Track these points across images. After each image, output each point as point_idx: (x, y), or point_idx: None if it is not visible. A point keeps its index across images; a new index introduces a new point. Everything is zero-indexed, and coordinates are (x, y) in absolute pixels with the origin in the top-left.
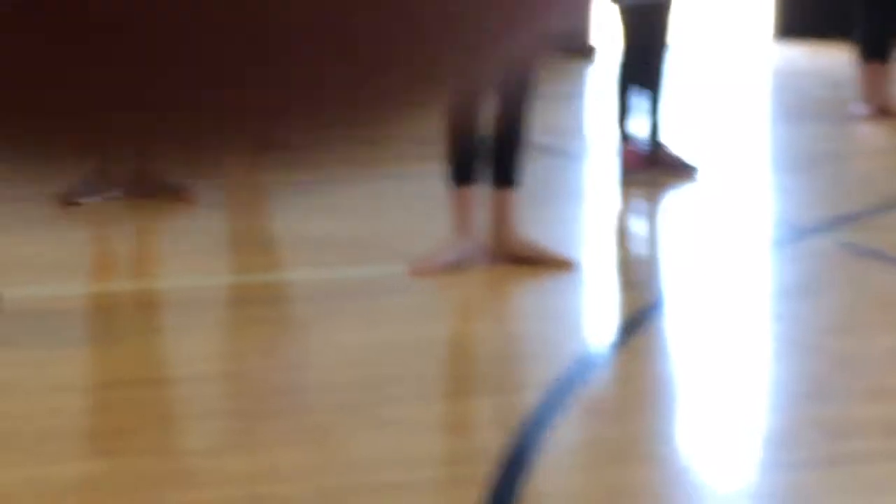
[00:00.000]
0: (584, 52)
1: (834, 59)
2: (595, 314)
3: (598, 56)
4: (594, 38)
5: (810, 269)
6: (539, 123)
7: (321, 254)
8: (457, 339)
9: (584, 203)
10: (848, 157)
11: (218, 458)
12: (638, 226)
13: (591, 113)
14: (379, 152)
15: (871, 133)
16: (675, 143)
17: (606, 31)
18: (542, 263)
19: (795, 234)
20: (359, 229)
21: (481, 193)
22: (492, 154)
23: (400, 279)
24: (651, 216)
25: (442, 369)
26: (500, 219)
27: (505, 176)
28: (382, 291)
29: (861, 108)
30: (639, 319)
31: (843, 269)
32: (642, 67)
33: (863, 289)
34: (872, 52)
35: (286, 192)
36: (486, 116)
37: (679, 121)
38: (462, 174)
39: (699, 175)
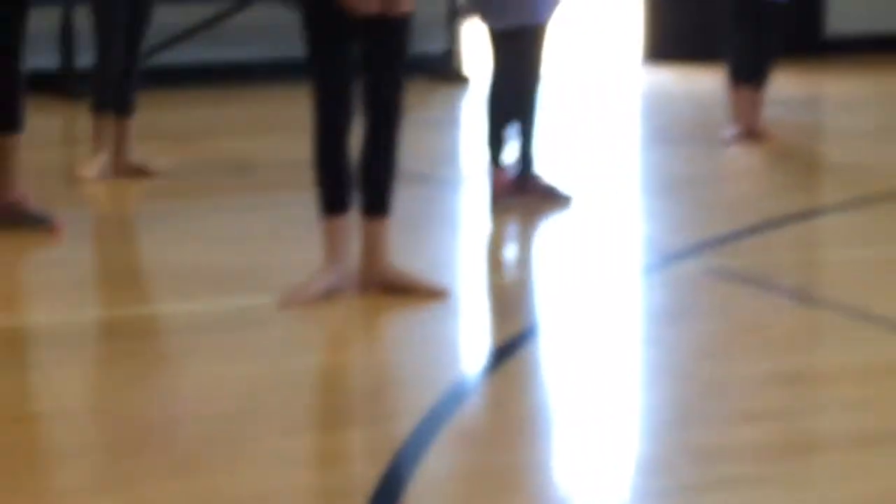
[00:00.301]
0: (457, 77)
1: (704, 82)
2: (468, 342)
3: (472, 82)
4: (468, 64)
5: (679, 293)
6: (412, 151)
7: (189, 285)
8: (327, 370)
9: (458, 231)
10: (717, 181)
11: (91, 496)
12: (511, 253)
13: (466, 140)
14: (247, 179)
15: (740, 156)
16: (548, 171)
17: (480, 57)
18: (415, 292)
19: (665, 259)
20: (227, 259)
21: (353, 222)
22: (363, 182)
23: (269, 310)
24: (524, 243)
25: (312, 401)
26: (372, 248)
27: (376, 204)
28: (251, 323)
29: (731, 131)
30: (512, 346)
31: (711, 294)
32: (514, 95)
33: (730, 313)
34: (741, 76)
35: (153, 221)
36: (357, 144)
37: (552, 147)
38: (333, 202)
39: (572, 203)
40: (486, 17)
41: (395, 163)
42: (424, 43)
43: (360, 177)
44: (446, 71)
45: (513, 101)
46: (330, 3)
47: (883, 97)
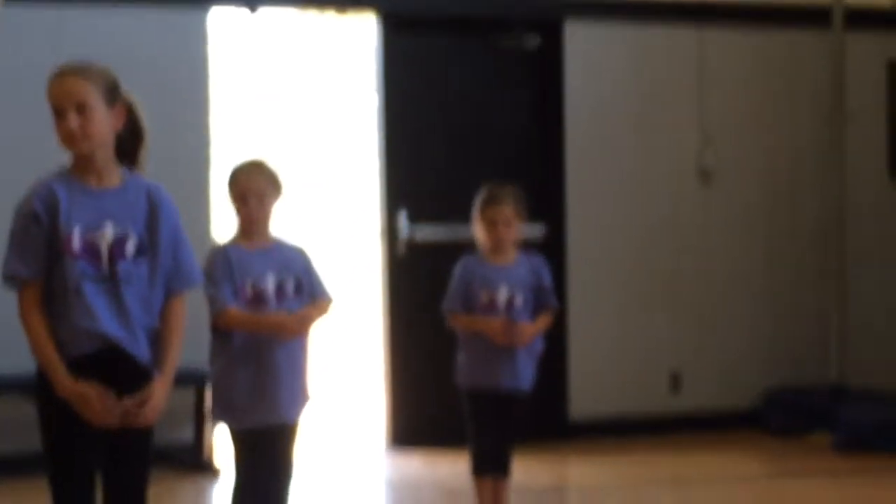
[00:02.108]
0: (207, 469)
1: (451, 468)
2: None
3: (223, 473)
4: (218, 455)
5: None
6: None
7: None
8: None
9: None
10: None
11: None
12: None
13: None
14: None
15: None
16: None
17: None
18: None
19: None
20: None
21: None
22: None
23: None
24: None
25: None
26: None
27: None
28: None
29: None
30: None
31: None
32: (257, 495)
33: None
34: (483, 467)
35: None
36: None
37: None
38: None
39: None
40: (220, 418)
41: None
42: (172, 433)
43: None
44: (195, 462)
45: (257, 502)
46: (67, 411)
47: (626, 483)
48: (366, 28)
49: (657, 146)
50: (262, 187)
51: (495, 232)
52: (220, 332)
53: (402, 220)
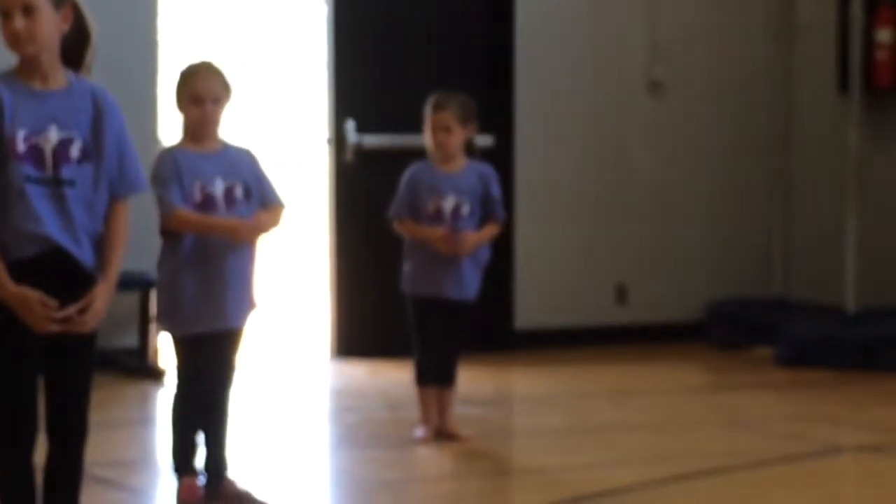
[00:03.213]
0: (152, 373)
1: (395, 378)
2: None
3: (169, 377)
4: (163, 359)
5: None
6: (101, 455)
7: None
8: None
9: None
10: (408, 484)
11: None
12: None
13: (160, 442)
14: None
15: (430, 459)
16: (242, 475)
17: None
18: None
19: None
20: None
21: None
22: None
23: None
24: None
25: None
26: None
27: None
28: None
29: (421, 432)
30: None
31: None
32: (200, 401)
33: None
34: (427, 376)
35: None
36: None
37: (245, 452)
38: None
39: None
40: (165, 324)
41: (79, 488)
42: (117, 338)
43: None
44: (140, 367)
45: (198, 407)
46: (7, 315)
47: (569, 393)
48: None
49: (607, 57)
50: (216, 89)
51: (436, 138)
52: (170, 235)
53: (350, 128)
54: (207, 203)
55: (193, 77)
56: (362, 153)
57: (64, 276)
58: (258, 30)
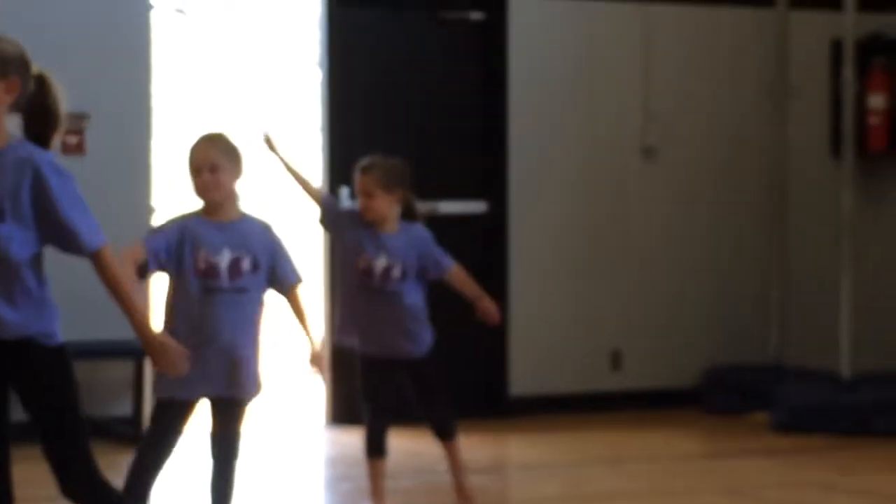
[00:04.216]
0: None
1: (391, 446)
2: None
3: None
4: None
5: None
6: None
7: None
8: None
9: None
10: None
11: None
12: None
13: None
14: None
15: None
16: None
17: None
18: None
19: None
20: None
21: None
22: None
23: None
24: None
25: None
26: None
27: None
28: None
29: None
30: None
31: None
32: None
33: None
34: (372, 450)
35: None
36: None
37: None
38: None
39: None
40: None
41: None
42: (111, 407)
43: None
44: (134, 435)
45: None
46: None
47: (566, 461)
48: (310, 1)
49: (600, 122)
50: (212, 158)
51: (360, 201)
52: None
53: (345, 194)
54: (209, 272)
55: (193, 148)
56: None
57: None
58: (254, 97)
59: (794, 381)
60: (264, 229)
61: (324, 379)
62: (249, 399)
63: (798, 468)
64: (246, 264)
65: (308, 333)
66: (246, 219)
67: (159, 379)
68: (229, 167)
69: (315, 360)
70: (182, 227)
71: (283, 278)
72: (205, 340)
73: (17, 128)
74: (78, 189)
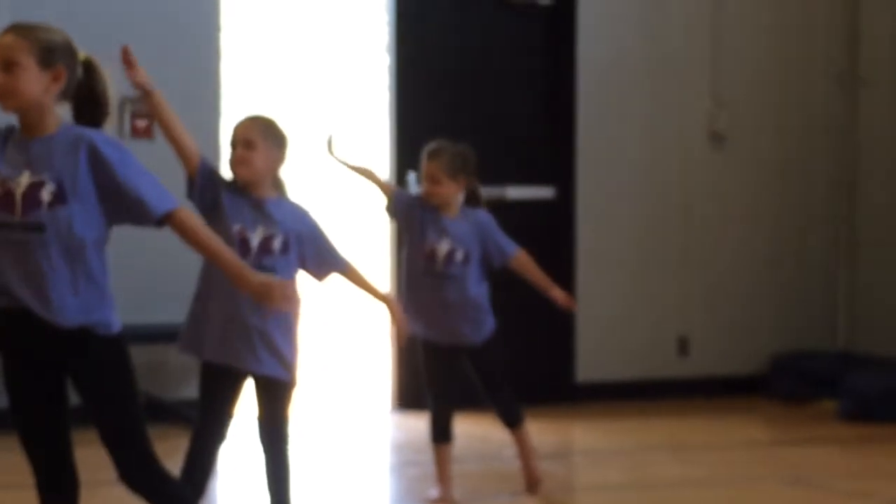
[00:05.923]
0: None
1: (457, 431)
2: None
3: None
4: None
5: None
6: None
7: None
8: None
9: None
10: None
11: None
12: None
13: (220, 494)
14: None
15: None
16: None
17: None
18: None
19: None
20: None
21: None
22: None
23: None
24: None
25: None
26: None
27: None
28: None
29: (433, 492)
30: None
31: None
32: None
33: None
34: (437, 435)
35: None
36: None
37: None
38: None
39: None
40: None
41: None
42: (178, 390)
43: None
44: None
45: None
46: None
47: (630, 447)
48: None
49: (669, 108)
50: (250, 135)
51: (425, 187)
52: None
53: (412, 180)
54: (242, 248)
55: (236, 124)
56: None
57: (30, 333)
58: (321, 81)
59: (861, 369)
60: (301, 213)
61: (401, 344)
62: (286, 382)
63: (865, 457)
64: (276, 243)
65: (379, 296)
66: (283, 199)
67: (181, 337)
68: (265, 147)
69: (395, 317)
70: (227, 192)
71: (331, 262)
72: (230, 317)
73: (68, 116)
74: (137, 160)
